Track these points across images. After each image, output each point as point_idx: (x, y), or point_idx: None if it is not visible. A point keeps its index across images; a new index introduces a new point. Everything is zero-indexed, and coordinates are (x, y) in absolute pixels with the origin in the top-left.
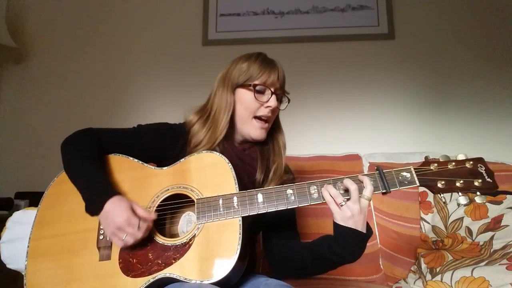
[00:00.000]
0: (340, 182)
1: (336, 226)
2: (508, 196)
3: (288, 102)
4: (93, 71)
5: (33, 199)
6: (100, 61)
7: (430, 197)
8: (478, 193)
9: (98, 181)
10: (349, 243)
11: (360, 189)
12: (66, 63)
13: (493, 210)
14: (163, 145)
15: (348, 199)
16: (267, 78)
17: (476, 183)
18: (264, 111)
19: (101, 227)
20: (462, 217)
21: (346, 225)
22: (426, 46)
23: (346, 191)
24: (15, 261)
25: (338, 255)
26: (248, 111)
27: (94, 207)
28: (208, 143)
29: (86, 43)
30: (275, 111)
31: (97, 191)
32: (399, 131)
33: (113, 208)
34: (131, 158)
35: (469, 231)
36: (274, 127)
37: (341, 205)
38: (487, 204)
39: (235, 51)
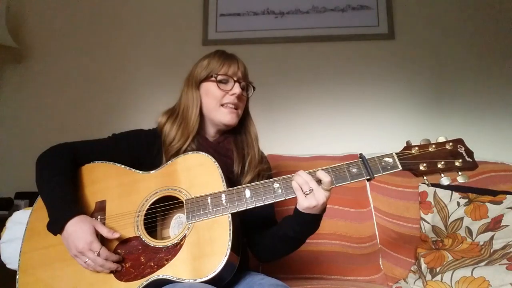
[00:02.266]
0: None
1: (298, 213)
2: (508, 196)
3: (254, 90)
4: (93, 71)
5: (33, 199)
6: (100, 61)
7: (430, 197)
8: (459, 172)
9: (62, 199)
10: (308, 226)
11: (330, 182)
12: (66, 63)
13: (493, 210)
14: (139, 150)
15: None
16: (228, 69)
17: (457, 163)
18: (229, 99)
19: None
20: (462, 217)
21: (309, 213)
22: (426, 46)
23: (319, 181)
24: (15, 261)
25: (301, 234)
26: (215, 101)
27: (55, 227)
28: (182, 138)
29: (86, 43)
30: (241, 98)
31: (59, 210)
32: (399, 131)
33: (75, 231)
34: (119, 165)
35: (469, 231)
36: (245, 117)
37: (306, 194)
38: (487, 204)
39: (235, 51)
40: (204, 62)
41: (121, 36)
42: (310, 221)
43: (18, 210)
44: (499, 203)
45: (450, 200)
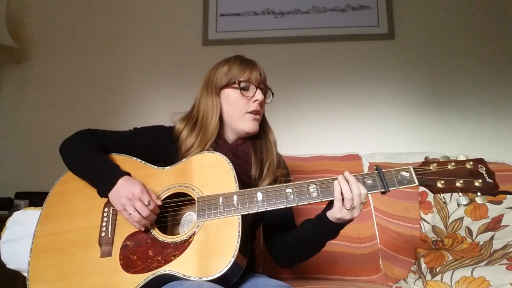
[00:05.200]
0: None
1: (325, 219)
2: (508, 196)
3: (272, 96)
4: (93, 71)
5: (33, 199)
6: (100, 61)
7: (430, 197)
8: (478, 193)
9: (108, 164)
10: (332, 232)
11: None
12: (66, 63)
13: (493, 210)
14: (158, 145)
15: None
16: (250, 75)
17: (476, 184)
18: (253, 106)
19: (103, 222)
20: (462, 217)
21: (337, 222)
22: (426, 46)
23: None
24: (15, 261)
25: (323, 237)
26: (238, 109)
27: (106, 185)
28: (199, 146)
29: (86, 43)
30: (262, 104)
31: (109, 171)
32: (399, 131)
33: (126, 183)
34: (135, 158)
35: (469, 231)
36: (262, 123)
37: (347, 208)
38: (487, 204)
39: (235, 51)
40: (224, 68)
41: (121, 36)
42: (335, 228)
43: (18, 210)
44: (499, 203)
45: (450, 200)
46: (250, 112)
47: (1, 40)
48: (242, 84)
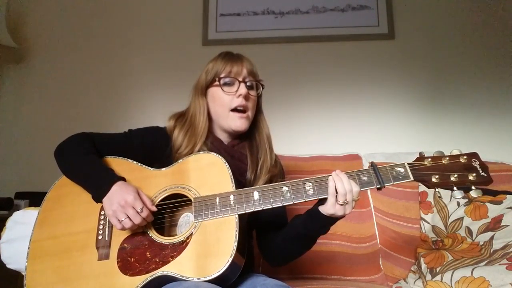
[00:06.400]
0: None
1: (318, 214)
2: (508, 196)
3: (263, 88)
4: (93, 71)
5: (33, 199)
6: (100, 61)
7: (430, 197)
8: (473, 187)
9: (102, 169)
10: (323, 227)
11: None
12: (66, 63)
13: (493, 210)
14: (153, 149)
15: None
16: (231, 68)
17: (470, 177)
18: (237, 101)
19: (100, 225)
20: (462, 217)
21: (330, 216)
22: (426, 46)
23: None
24: (15, 261)
25: (314, 232)
26: (223, 107)
27: (100, 190)
28: (188, 145)
29: (86, 43)
30: (249, 98)
31: (103, 176)
32: (399, 131)
33: (120, 189)
34: (130, 161)
35: (469, 231)
36: (257, 117)
37: (340, 204)
38: (487, 204)
39: (235, 51)
40: (209, 66)
41: (121, 36)
42: (326, 223)
43: (18, 210)
44: (499, 203)
45: (450, 200)
46: (236, 109)
47: (1, 40)
48: (223, 80)
